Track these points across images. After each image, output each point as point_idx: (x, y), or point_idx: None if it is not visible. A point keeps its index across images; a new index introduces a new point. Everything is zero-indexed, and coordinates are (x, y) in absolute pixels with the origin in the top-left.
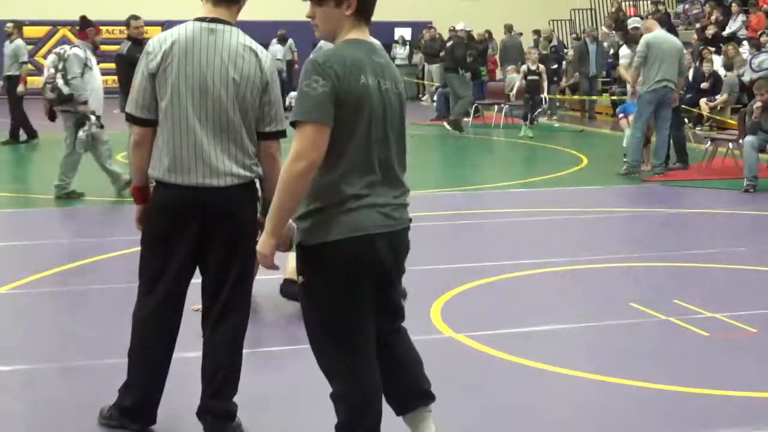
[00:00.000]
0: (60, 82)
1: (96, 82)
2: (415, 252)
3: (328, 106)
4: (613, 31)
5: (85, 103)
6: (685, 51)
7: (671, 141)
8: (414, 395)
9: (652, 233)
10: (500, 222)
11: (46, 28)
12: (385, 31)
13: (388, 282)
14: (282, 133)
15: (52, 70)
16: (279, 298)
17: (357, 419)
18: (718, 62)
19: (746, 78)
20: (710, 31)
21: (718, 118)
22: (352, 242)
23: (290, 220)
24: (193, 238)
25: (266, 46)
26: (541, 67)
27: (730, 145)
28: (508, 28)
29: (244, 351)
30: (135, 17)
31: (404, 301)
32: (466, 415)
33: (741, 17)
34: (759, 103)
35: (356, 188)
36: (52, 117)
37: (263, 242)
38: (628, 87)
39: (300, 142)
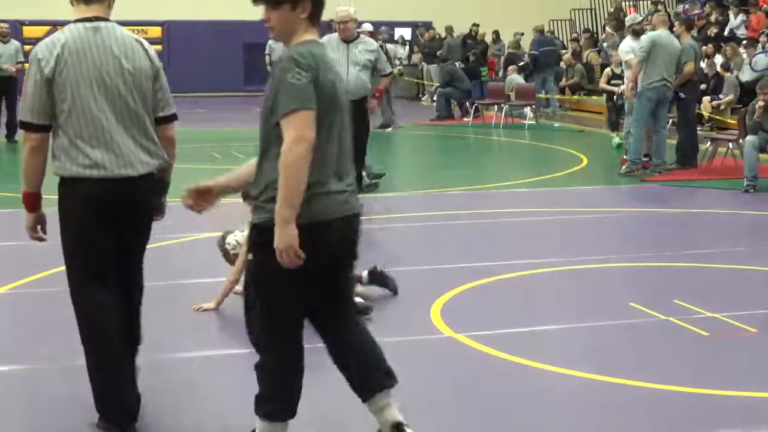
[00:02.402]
0: None
1: None
2: (415, 252)
3: (313, 95)
4: (615, 32)
5: None
6: (697, 51)
7: (678, 140)
8: (373, 379)
9: (652, 233)
10: (500, 222)
11: (46, 28)
12: (385, 31)
13: (340, 267)
14: (175, 117)
15: None
16: None
17: (281, 392)
18: (718, 62)
19: (745, 78)
20: (712, 30)
21: (718, 117)
22: (314, 227)
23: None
24: (111, 229)
25: (263, 45)
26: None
27: (730, 145)
28: (449, 30)
29: (245, 351)
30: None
31: (367, 317)
32: (466, 415)
33: (741, 17)
34: (761, 103)
35: (320, 176)
36: None
37: (286, 235)
38: (625, 84)
39: (297, 127)
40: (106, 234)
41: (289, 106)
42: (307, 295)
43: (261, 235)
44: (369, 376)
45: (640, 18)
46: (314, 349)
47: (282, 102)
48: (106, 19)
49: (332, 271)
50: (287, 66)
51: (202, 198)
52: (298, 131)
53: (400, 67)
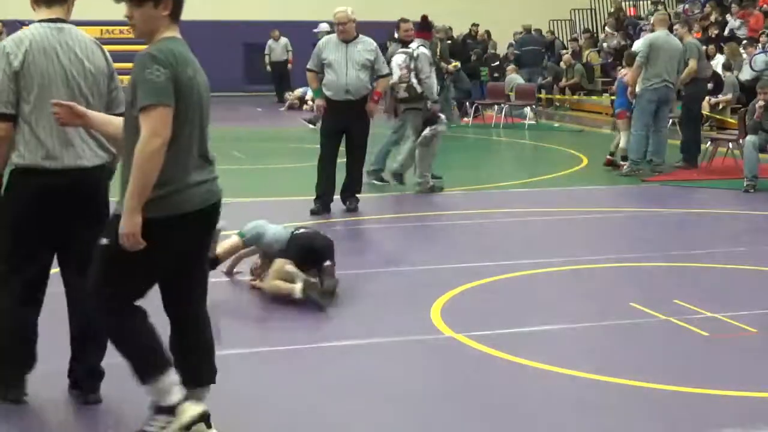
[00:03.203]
0: (414, 81)
1: (434, 80)
2: (415, 252)
3: (171, 91)
4: (615, 32)
5: (436, 102)
6: (700, 49)
7: (683, 139)
8: (209, 371)
9: (652, 233)
10: (500, 222)
11: None
12: (384, 31)
13: (200, 250)
14: None
15: (405, 70)
16: (276, 300)
17: (147, 353)
18: (719, 62)
19: (744, 78)
20: (712, 30)
21: (718, 117)
22: (180, 217)
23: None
24: (58, 225)
25: (263, 45)
26: None
27: (730, 145)
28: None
29: (240, 352)
30: (405, 20)
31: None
32: (466, 415)
33: (740, 19)
34: (762, 102)
35: (186, 168)
36: (395, 113)
37: (131, 222)
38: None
39: (153, 122)
40: (50, 229)
41: (147, 101)
42: (165, 276)
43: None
44: (205, 367)
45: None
46: (315, 348)
47: (140, 97)
48: (66, 21)
49: (193, 253)
50: (145, 61)
51: (71, 115)
52: (153, 127)
53: (456, 63)
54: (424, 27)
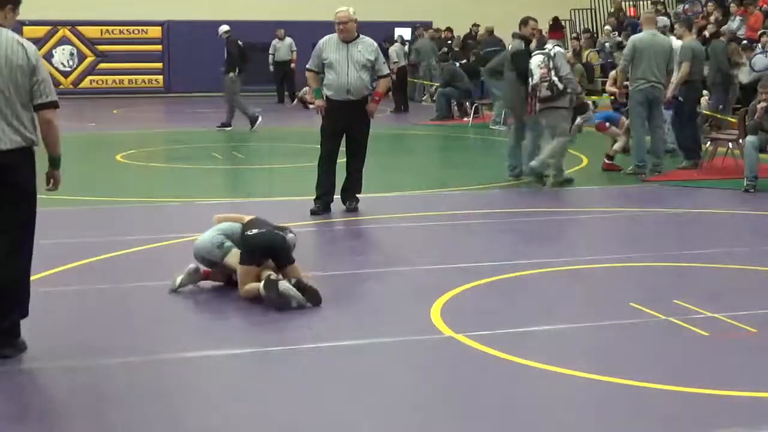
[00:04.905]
0: (555, 79)
1: (574, 76)
2: (415, 252)
3: None
4: (615, 32)
5: (580, 94)
6: (696, 51)
7: (678, 138)
8: None
9: (652, 233)
10: (500, 222)
11: (46, 28)
12: (385, 31)
13: None
14: (53, 104)
15: (545, 69)
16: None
17: None
18: None
19: (744, 79)
20: (708, 29)
21: (719, 116)
22: None
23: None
24: None
25: (263, 45)
26: None
27: (730, 144)
28: (420, 34)
29: (245, 351)
30: (533, 19)
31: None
32: (465, 415)
33: (740, 17)
34: (763, 103)
35: None
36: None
37: None
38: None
39: None
40: None
41: None
42: None
43: None
44: None
45: (666, 21)
46: (313, 348)
47: None
48: (1, 26)
49: None
50: None
51: None
52: None
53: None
54: (556, 27)
